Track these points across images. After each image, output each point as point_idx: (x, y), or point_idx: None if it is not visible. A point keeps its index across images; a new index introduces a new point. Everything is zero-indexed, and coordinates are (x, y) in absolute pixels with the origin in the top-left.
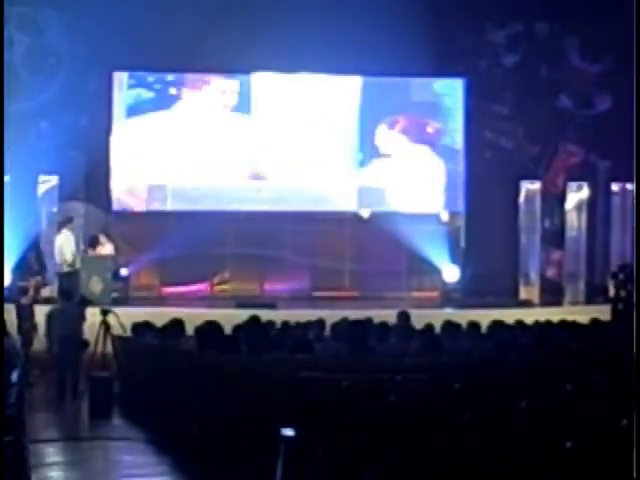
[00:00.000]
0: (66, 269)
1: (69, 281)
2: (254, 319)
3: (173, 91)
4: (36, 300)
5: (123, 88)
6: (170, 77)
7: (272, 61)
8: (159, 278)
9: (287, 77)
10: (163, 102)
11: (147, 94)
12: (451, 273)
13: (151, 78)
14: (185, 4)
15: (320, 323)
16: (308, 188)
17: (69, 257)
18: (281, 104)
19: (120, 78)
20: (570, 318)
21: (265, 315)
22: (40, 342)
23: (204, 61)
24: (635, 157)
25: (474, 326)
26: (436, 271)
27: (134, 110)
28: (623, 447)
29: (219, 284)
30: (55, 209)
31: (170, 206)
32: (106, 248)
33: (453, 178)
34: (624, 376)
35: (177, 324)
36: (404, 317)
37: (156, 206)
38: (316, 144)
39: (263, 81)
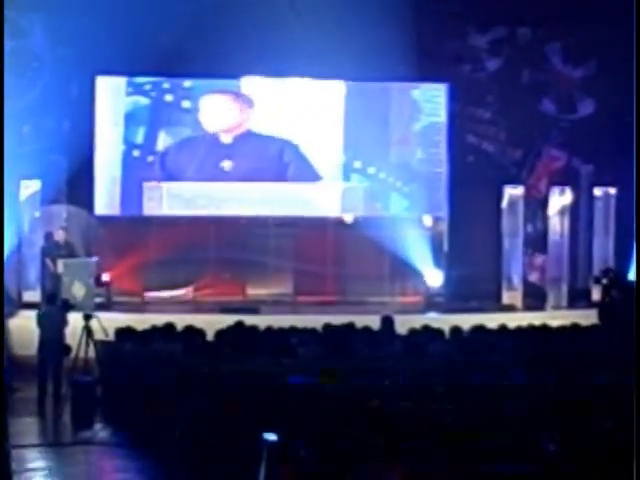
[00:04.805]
0: None
1: None
2: (237, 324)
3: (169, 98)
4: None
5: (121, 95)
6: (166, 84)
7: (261, 66)
8: (142, 283)
9: (275, 81)
10: (160, 109)
11: (144, 101)
12: (434, 278)
13: (148, 86)
14: (171, 8)
15: (303, 328)
16: (292, 191)
17: None
18: (270, 107)
19: (116, 84)
20: (553, 322)
21: (248, 320)
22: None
23: (190, 66)
24: (635, 162)
25: (457, 331)
26: (419, 276)
27: (131, 117)
28: (612, 450)
29: (201, 289)
30: (37, 214)
31: (165, 207)
32: None
33: (436, 182)
34: (612, 378)
35: (160, 329)
36: (388, 322)
37: (151, 206)
38: (302, 147)
39: (253, 85)
